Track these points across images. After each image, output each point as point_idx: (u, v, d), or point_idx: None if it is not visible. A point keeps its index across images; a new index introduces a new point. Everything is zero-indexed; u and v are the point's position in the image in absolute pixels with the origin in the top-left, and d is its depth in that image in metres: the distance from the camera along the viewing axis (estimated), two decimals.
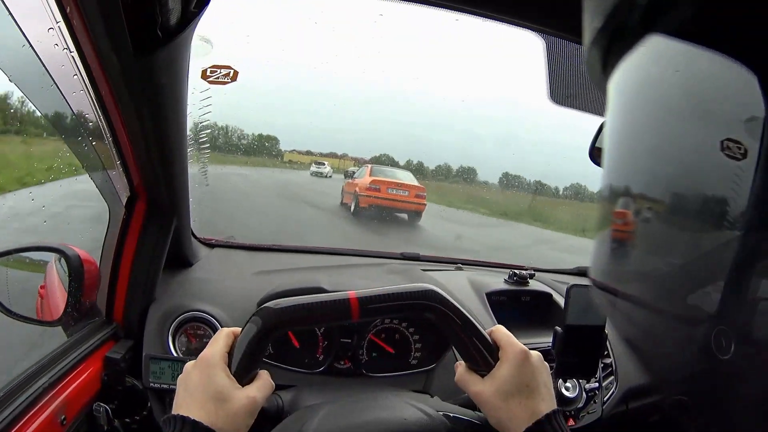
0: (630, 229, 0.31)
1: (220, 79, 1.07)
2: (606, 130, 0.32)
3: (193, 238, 1.10)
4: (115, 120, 0.68)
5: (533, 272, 1.28)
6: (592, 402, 1.06)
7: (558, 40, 0.79)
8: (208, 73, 1.07)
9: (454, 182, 9.83)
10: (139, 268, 0.88)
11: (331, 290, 0.85)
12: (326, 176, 9.92)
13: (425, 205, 6.65)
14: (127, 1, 0.49)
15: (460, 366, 0.58)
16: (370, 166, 7.22)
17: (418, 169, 9.65)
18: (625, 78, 0.29)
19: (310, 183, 8.41)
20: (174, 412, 0.50)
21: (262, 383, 0.54)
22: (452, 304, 0.57)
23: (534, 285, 1.25)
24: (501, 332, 0.59)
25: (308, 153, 10.24)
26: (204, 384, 0.51)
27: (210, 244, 1.23)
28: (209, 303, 0.95)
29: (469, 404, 0.65)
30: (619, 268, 0.33)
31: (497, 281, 1.23)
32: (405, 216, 6.69)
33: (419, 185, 6.93)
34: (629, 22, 0.26)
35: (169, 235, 0.90)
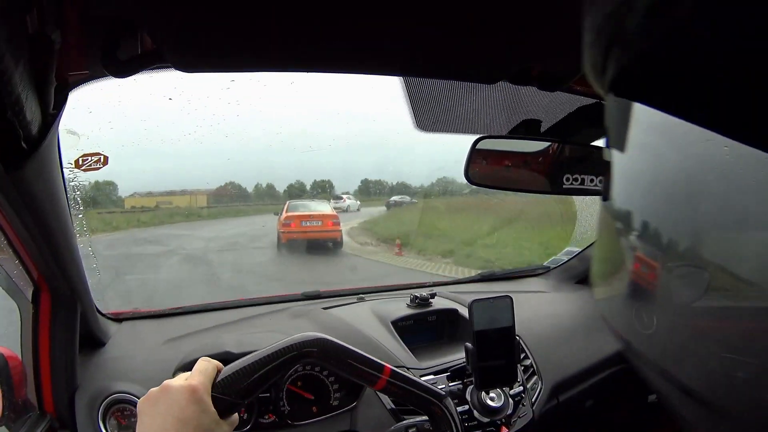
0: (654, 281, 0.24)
1: (92, 166, 1.13)
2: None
3: (100, 316, 1.13)
4: (5, 227, 0.72)
5: (434, 293, 1.32)
6: (520, 405, 1.07)
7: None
8: (80, 163, 1.12)
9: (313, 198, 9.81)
10: (57, 357, 0.92)
11: (237, 352, 0.94)
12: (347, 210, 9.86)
13: (340, 231, 7.03)
14: None
15: None
16: (287, 202, 7.43)
17: (269, 193, 9.69)
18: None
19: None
20: None
21: (234, 419, 0.58)
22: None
23: (437, 303, 1.28)
24: None
25: (149, 194, 9.90)
26: (193, 415, 0.53)
27: (118, 319, 1.26)
28: (129, 381, 0.99)
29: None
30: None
31: (400, 307, 1.27)
32: (330, 244, 6.99)
33: (333, 213, 7.30)
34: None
35: (77, 320, 0.96)
